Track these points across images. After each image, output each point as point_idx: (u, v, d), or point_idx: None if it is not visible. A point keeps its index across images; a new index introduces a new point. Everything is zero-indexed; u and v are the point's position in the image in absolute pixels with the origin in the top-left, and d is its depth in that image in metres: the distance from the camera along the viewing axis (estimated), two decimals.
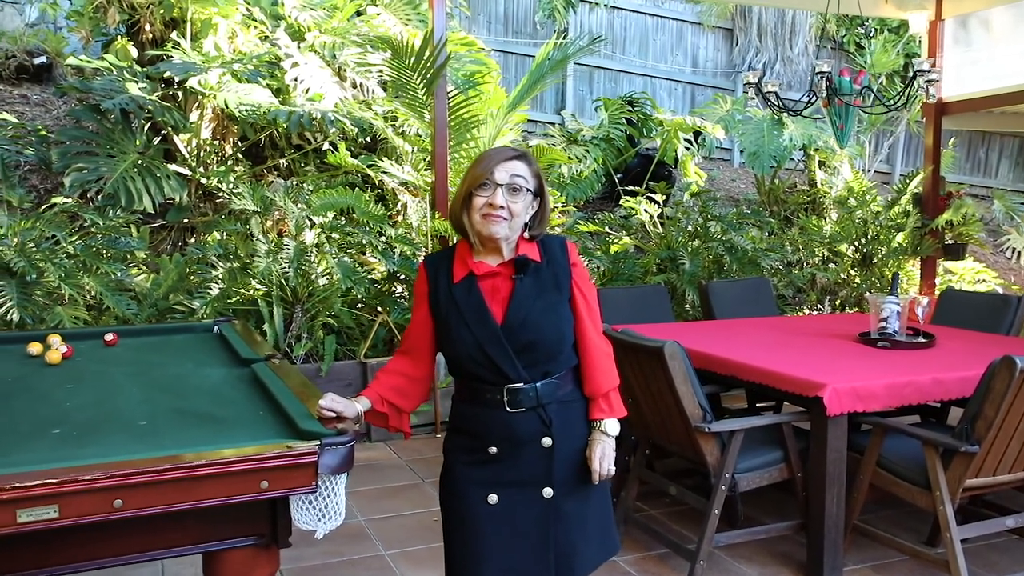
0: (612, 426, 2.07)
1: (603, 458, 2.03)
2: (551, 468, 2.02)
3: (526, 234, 2.05)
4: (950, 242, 7.46)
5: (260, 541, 1.88)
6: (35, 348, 2.98)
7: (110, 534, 1.74)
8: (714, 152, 10.40)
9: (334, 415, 1.97)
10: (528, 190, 2.00)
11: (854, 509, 3.25)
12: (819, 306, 7.21)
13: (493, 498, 2.02)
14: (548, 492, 2.02)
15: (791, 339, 4.07)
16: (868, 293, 4.72)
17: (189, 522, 1.80)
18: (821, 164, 8.89)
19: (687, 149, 8.29)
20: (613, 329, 3.54)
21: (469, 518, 2.04)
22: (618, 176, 8.44)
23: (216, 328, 3.53)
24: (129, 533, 1.76)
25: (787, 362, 3.43)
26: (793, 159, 9.47)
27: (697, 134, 8.55)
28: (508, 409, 2.00)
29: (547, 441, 2.02)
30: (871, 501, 3.46)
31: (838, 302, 7.27)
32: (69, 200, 5.31)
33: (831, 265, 7.50)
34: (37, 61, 8.07)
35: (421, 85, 5.70)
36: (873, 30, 11.75)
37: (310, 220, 5.44)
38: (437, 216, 5.69)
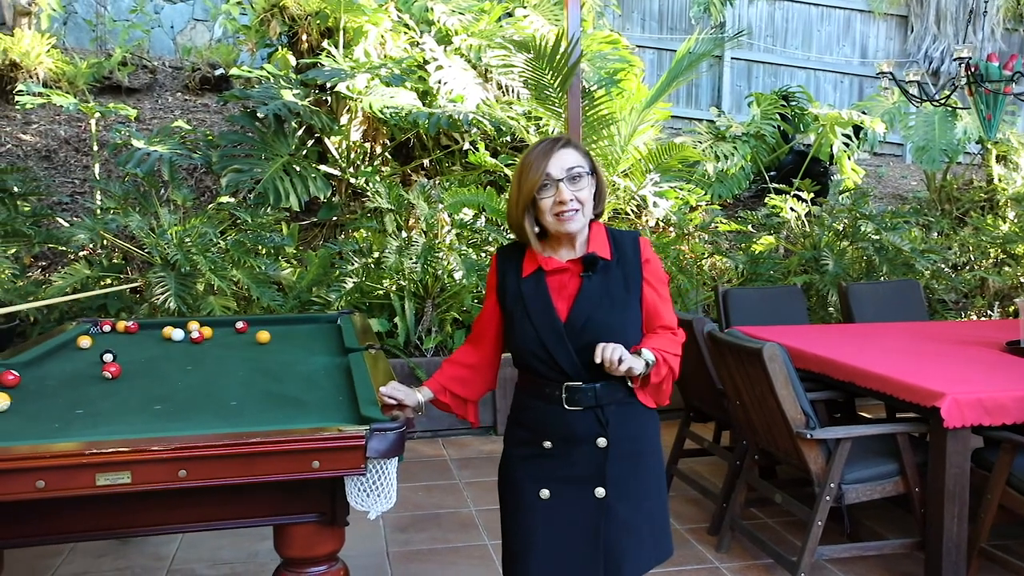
0: (649, 356, 1.95)
1: (613, 350, 1.86)
2: (605, 468, 1.99)
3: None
4: None
5: (322, 518, 1.98)
6: (175, 332, 3.29)
7: (186, 502, 1.90)
8: (879, 147, 9.82)
9: (395, 403, 2.05)
10: (587, 173, 1.99)
11: (981, 531, 3.00)
12: (988, 312, 6.64)
13: (545, 493, 2.01)
14: (601, 492, 1.99)
15: (927, 346, 3.79)
16: (1018, 299, 4.28)
17: (256, 497, 1.93)
18: (1000, 158, 8.18)
19: (846, 145, 7.86)
20: (727, 329, 3.45)
21: (522, 511, 2.05)
22: (770, 174, 8.12)
23: (339, 319, 3.74)
24: (203, 503, 1.91)
25: (910, 369, 3.20)
26: (969, 153, 8.77)
27: (858, 129, 8.09)
28: (566, 406, 1.99)
29: (602, 441, 1.99)
30: (1015, 524, 3.18)
31: (1012, 308, 6.66)
32: (232, 199, 5.77)
33: (1006, 268, 6.89)
34: (217, 73, 8.81)
35: (555, 84, 5.75)
36: None
37: (450, 218, 5.61)
38: None
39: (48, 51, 8.14)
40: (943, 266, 6.61)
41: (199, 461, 1.77)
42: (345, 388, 2.44)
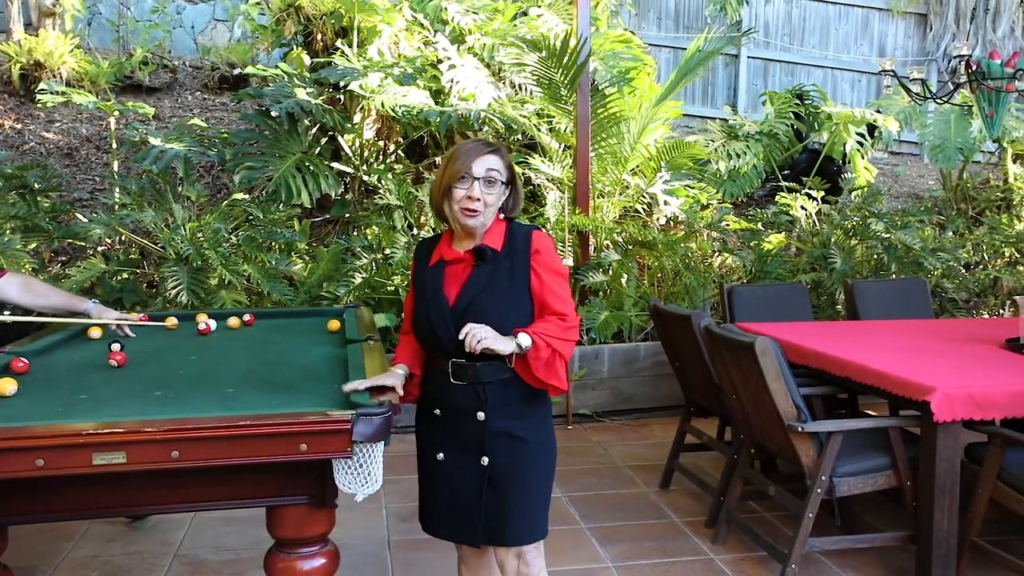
0: (523, 339, 2.10)
1: (475, 332, 2.05)
2: (484, 440, 2.19)
3: (501, 215, 2.24)
4: None
5: (312, 500, 2.05)
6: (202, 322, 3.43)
7: (181, 483, 1.98)
8: (898, 147, 9.78)
9: (385, 387, 2.17)
10: (502, 182, 2.18)
11: (971, 525, 3.02)
12: (1000, 311, 6.61)
13: (440, 455, 2.26)
14: (485, 460, 2.19)
15: (926, 343, 3.80)
16: (1018, 296, 4.25)
17: (248, 478, 2.00)
18: (1017, 158, 8.12)
19: (859, 144, 7.84)
20: (723, 324, 3.48)
21: (425, 470, 2.33)
22: (784, 172, 8.12)
23: (344, 313, 3.81)
24: (197, 483, 2.00)
25: (904, 364, 3.23)
26: (986, 152, 8.71)
27: (873, 128, 8.06)
28: (452, 380, 2.20)
29: (481, 415, 2.18)
30: (1010, 520, 3.19)
31: (1011, 308, 6.62)
32: (247, 196, 5.86)
33: (1019, 267, 6.85)
34: (236, 72, 8.93)
35: (565, 82, 5.80)
36: None
37: None
38: (577, 212, 5.77)
39: (71, 51, 8.30)
40: (955, 265, 6.58)
41: (191, 442, 1.84)
42: (340, 377, 2.50)
